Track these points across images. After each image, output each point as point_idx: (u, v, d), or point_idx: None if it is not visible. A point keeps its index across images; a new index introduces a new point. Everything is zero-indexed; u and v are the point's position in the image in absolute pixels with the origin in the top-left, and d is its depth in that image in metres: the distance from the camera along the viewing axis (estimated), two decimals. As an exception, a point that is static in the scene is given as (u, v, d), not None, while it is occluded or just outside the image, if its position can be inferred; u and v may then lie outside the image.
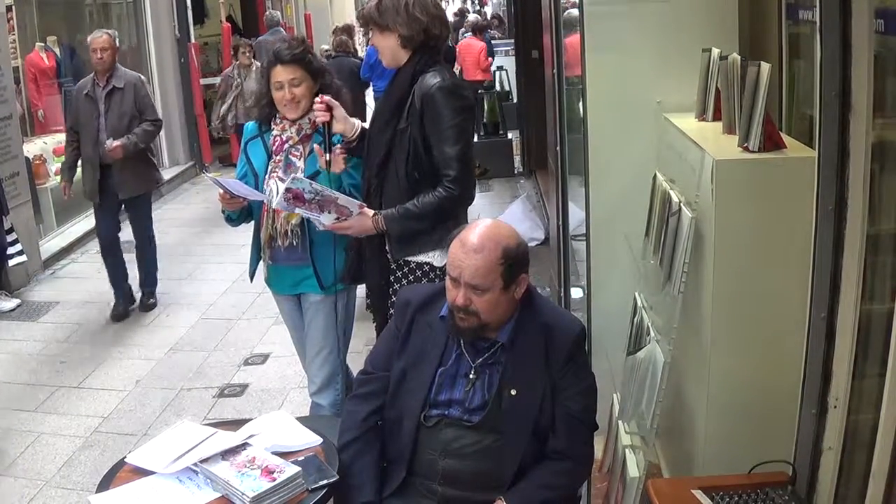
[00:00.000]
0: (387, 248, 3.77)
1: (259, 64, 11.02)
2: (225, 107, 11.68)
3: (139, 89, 7.20)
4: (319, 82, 4.10)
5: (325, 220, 3.71)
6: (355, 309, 4.45)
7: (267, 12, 15.23)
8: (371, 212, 3.71)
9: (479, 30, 15.00)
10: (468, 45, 14.55)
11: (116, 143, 6.91)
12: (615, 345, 4.14)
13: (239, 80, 11.59)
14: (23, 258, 7.89)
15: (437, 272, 3.71)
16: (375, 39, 3.84)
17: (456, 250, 2.90)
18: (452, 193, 3.61)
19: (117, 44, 7.29)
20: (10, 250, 7.70)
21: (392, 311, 3.78)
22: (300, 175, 3.80)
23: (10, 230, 7.69)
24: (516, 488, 2.90)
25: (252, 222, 4.30)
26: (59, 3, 11.62)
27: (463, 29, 17.94)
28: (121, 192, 7.21)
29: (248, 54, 11.77)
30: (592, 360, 3.74)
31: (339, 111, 3.88)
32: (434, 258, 3.73)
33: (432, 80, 3.63)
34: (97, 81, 7.11)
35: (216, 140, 13.33)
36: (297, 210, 3.71)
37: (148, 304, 7.69)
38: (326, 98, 3.87)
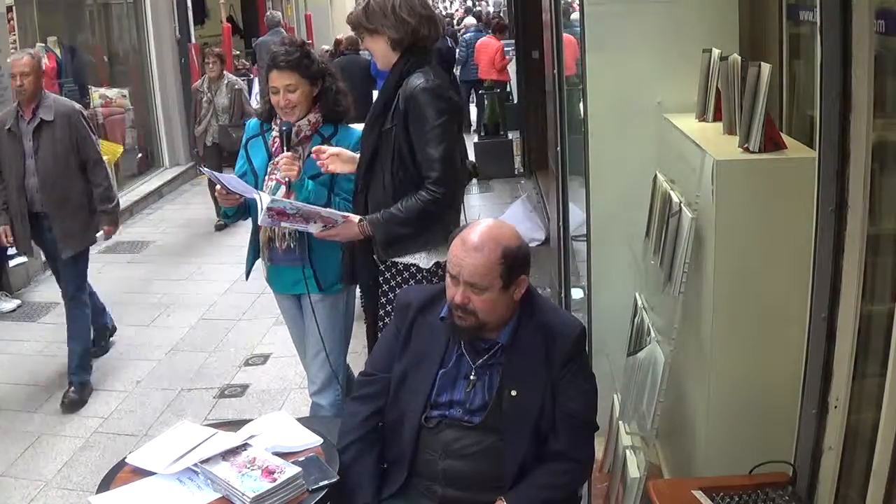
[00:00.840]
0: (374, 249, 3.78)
1: (230, 76, 10.34)
2: (201, 129, 10.18)
3: (75, 122, 5.81)
4: (320, 85, 4.10)
5: (312, 230, 3.72)
6: (355, 309, 4.45)
7: (268, 13, 15.23)
8: (357, 218, 3.72)
9: (498, 29, 14.95)
10: (486, 43, 14.54)
11: (105, 228, 6.06)
12: (616, 345, 4.14)
13: (209, 94, 10.08)
14: (23, 259, 7.88)
15: (424, 273, 3.72)
16: (366, 43, 3.84)
17: (456, 248, 2.91)
18: (435, 196, 3.60)
19: (43, 66, 6.05)
20: (11, 251, 7.68)
21: (381, 311, 3.80)
22: (278, 196, 3.80)
23: None
24: (517, 489, 2.89)
25: (248, 219, 4.29)
26: (59, 4, 11.62)
27: (462, 30, 17.95)
28: (63, 251, 5.84)
29: (213, 65, 10.09)
30: (593, 360, 3.74)
31: (342, 154, 3.89)
32: (420, 260, 3.73)
33: (416, 81, 3.63)
34: (21, 114, 5.77)
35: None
36: (284, 224, 3.73)
37: (70, 401, 5.84)
38: (330, 151, 3.87)
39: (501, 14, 21.97)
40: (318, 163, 3.87)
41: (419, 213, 3.61)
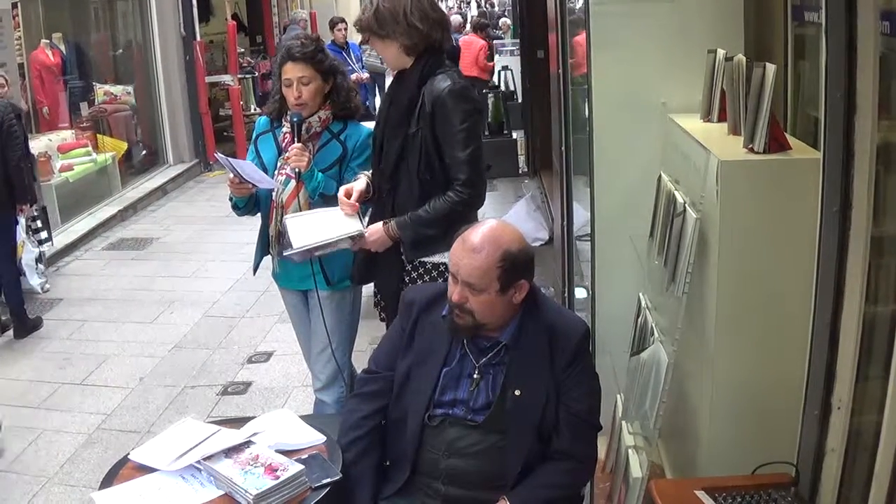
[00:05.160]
0: (401, 249, 3.78)
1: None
2: None
3: None
4: (331, 82, 4.11)
5: (344, 247, 3.74)
6: (361, 306, 4.45)
7: (292, 12, 15.27)
8: (375, 226, 3.72)
9: (480, 28, 15.01)
10: (469, 42, 14.58)
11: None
12: (619, 345, 4.14)
13: None
14: (48, 244, 8.26)
15: None
16: (376, 47, 3.83)
17: (457, 247, 2.91)
18: (463, 197, 3.62)
19: None
20: (41, 235, 7.94)
21: None
22: (292, 250, 3.79)
23: (37, 218, 7.90)
24: (519, 488, 2.89)
25: (257, 215, 4.30)
26: (64, 0, 11.63)
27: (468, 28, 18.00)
28: None
29: None
30: (596, 360, 3.74)
31: (361, 187, 3.86)
32: (449, 258, 3.73)
33: (442, 83, 3.63)
34: None
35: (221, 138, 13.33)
36: (317, 254, 3.77)
37: None
38: (354, 199, 3.83)
39: (506, 13, 21.98)
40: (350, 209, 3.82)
41: (447, 213, 3.62)
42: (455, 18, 19.88)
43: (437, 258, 3.75)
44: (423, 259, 3.77)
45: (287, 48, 4.08)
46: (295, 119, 4.00)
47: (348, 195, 3.79)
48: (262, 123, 4.33)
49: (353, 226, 3.74)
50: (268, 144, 4.23)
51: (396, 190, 3.76)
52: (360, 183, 3.86)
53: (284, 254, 3.88)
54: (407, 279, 3.81)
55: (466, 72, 13.95)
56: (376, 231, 3.73)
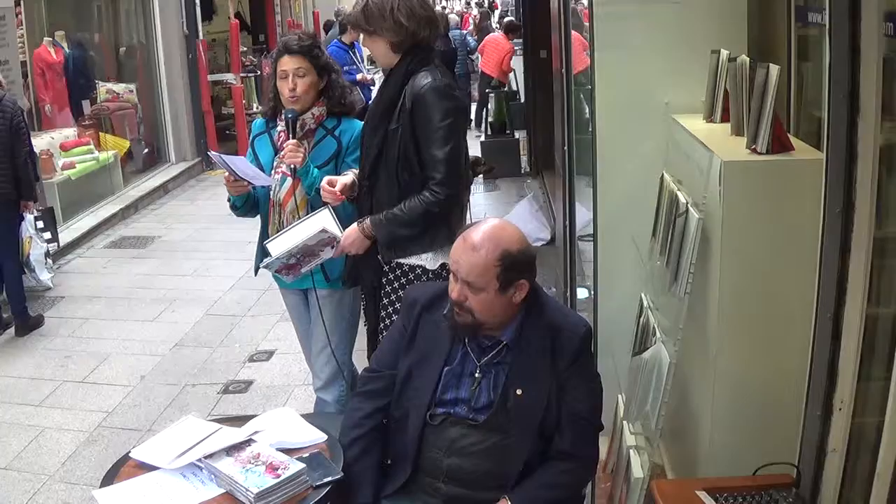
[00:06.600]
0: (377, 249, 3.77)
1: None
2: None
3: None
4: (326, 79, 4.12)
5: (327, 256, 3.77)
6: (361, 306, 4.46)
7: (336, 7, 15.36)
8: (351, 229, 3.72)
9: (511, 30, 14.93)
10: (497, 41, 14.53)
11: None
12: (621, 345, 4.14)
13: None
14: (53, 244, 8.34)
15: (430, 275, 3.70)
16: (366, 43, 3.84)
17: (458, 245, 2.92)
18: (438, 197, 3.59)
19: None
20: (45, 235, 7.96)
21: (383, 313, 3.79)
22: (268, 259, 3.82)
23: (39, 218, 7.95)
24: (521, 487, 2.90)
25: (257, 216, 4.31)
26: (67, -2, 11.66)
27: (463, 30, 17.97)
28: None
29: None
30: (598, 360, 3.74)
31: (345, 185, 3.86)
32: (426, 261, 3.71)
33: (423, 80, 3.62)
34: None
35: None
36: (303, 270, 3.82)
37: None
38: (338, 190, 3.83)
39: (509, 12, 21.95)
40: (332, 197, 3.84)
41: (422, 214, 3.60)
42: (452, 18, 19.87)
43: (412, 260, 3.73)
44: (399, 261, 3.75)
45: (284, 42, 4.12)
46: (289, 115, 4.01)
47: (332, 185, 3.79)
48: (259, 125, 4.35)
49: (326, 225, 3.74)
50: (264, 145, 4.24)
51: (374, 188, 3.75)
52: (346, 177, 3.87)
53: (261, 265, 3.95)
54: (384, 280, 3.80)
55: (488, 70, 13.97)
56: (352, 233, 3.72)
